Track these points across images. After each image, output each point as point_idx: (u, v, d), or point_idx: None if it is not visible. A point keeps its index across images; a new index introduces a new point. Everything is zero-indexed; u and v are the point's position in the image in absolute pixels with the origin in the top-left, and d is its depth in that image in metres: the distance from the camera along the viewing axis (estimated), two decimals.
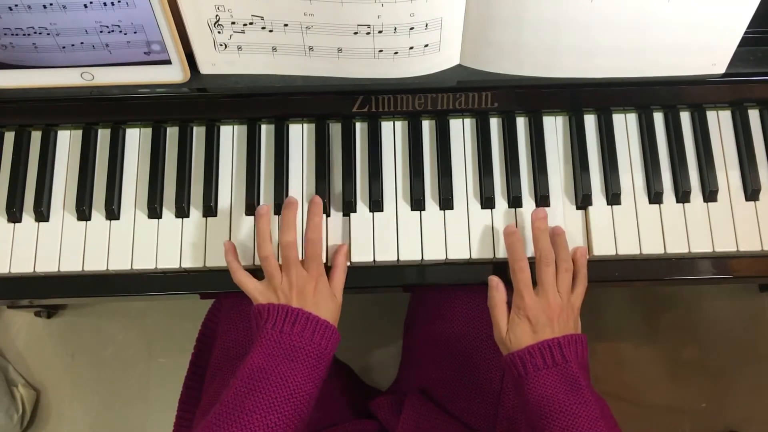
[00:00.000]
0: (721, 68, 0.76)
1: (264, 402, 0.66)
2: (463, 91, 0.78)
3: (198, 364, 0.94)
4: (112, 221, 0.82)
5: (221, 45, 0.74)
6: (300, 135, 0.84)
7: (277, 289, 0.74)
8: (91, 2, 0.67)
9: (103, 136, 0.85)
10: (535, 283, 0.74)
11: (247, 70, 0.77)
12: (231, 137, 0.84)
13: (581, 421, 0.67)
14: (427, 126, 0.84)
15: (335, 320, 0.75)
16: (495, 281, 0.77)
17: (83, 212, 0.81)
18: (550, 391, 0.68)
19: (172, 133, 0.84)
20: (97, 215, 0.82)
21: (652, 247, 0.79)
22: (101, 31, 0.71)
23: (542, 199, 0.81)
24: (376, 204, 0.81)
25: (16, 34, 0.71)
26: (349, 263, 0.80)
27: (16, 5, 0.67)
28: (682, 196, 0.81)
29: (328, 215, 0.81)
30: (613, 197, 0.81)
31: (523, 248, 0.77)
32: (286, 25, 0.71)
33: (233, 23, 0.72)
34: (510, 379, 0.74)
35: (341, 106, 0.81)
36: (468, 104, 0.80)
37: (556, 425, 0.67)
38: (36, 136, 0.84)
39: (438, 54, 0.75)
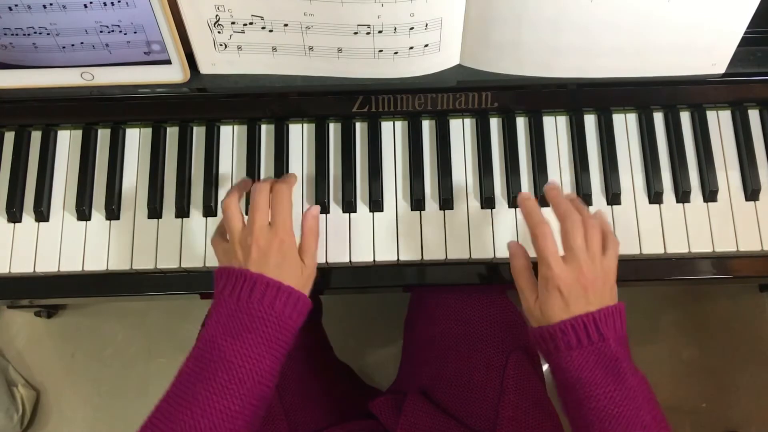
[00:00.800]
0: (721, 68, 0.76)
1: (216, 383, 0.60)
2: (463, 91, 0.78)
3: None
4: (113, 221, 0.82)
5: (221, 45, 0.74)
6: (300, 135, 0.84)
7: (235, 245, 0.67)
8: (91, 2, 0.67)
9: (103, 136, 0.85)
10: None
11: (247, 70, 0.77)
12: (231, 137, 0.84)
13: (624, 410, 0.60)
14: (427, 126, 0.84)
15: (303, 287, 0.68)
16: (514, 247, 0.71)
17: (83, 212, 0.81)
18: (586, 373, 0.62)
19: (172, 133, 0.84)
20: (97, 215, 0.82)
21: (652, 247, 0.79)
22: (101, 31, 0.71)
23: (542, 199, 0.80)
24: (376, 204, 0.81)
25: (16, 34, 0.71)
26: (349, 263, 0.80)
27: (16, 5, 0.67)
28: (682, 196, 0.81)
29: (328, 214, 0.81)
30: (613, 197, 0.81)
31: (541, 213, 0.68)
32: (286, 25, 0.71)
33: (233, 23, 0.72)
34: (541, 353, 0.68)
35: (341, 106, 0.81)
36: (468, 104, 0.80)
37: (593, 414, 0.61)
38: (36, 136, 0.84)
39: (438, 54, 0.75)
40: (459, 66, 0.77)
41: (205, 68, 0.77)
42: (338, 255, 0.80)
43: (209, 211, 0.81)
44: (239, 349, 0.62)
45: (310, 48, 0.74)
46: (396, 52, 0.73)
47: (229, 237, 0.69)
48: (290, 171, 0.83)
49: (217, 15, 0.71)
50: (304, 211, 0.80)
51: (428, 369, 0.88)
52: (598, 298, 0.65)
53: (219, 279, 0.67)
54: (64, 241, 0.81)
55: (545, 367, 0.83)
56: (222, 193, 0.82)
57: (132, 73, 0.76)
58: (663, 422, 0.64)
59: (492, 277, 0.81)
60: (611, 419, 0.60)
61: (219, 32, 0.72)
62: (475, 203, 0.81)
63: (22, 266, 0.80)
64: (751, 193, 0.81)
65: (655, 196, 0.81)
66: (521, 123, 0.84)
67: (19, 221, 0.82)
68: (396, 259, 0.80)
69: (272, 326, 0.63)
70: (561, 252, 0.67)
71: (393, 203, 0.81)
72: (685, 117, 0.84)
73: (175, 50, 0.73)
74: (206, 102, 0.81)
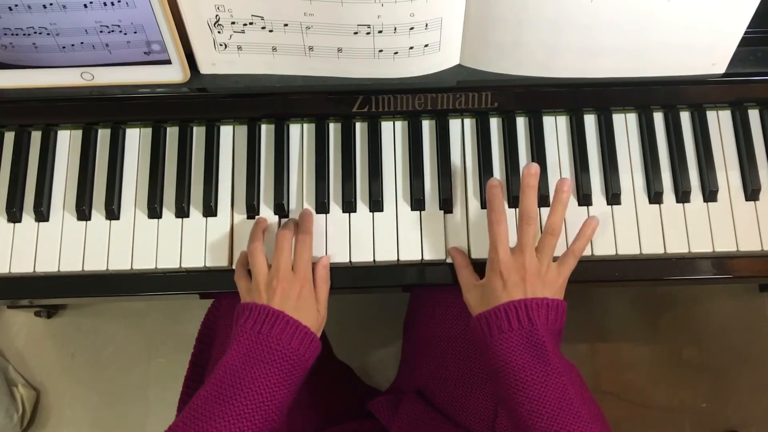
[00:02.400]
0: (721, 68, 0.76)
1: (233, 408, 0.64)
2: (463, 91, 0.78)
3: (198, 364, 0.94)
4: (112, 221, 0.82)
5: (221, 45, 0.74)
6: (300, 135, 0.84)
7: (261, 285, 0.72)
8: (91, 2, 0.67)
9: (103, 136, 0.85)
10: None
11: (247, 70, 0.77)
12: (231, 137, 0.84)
13: (550, 391, 0.63)
14: (427, 126, 0.84)
15: (317, 330, 0.73)
16: (453, 251, 0.78)
17: (83, 212, 0.81)
18: (515, 357, 0.65)
19: (172, 133, 0.84)
20: (97, 215, 0.82)
21: (652, 247, 0.79)
22: (101, 31, 0.71)
23: (542, 199, 0.80)
24: (376, 204, 0.81)
25: (16, 34, 0.71)
26: (349, 263, 0.80)
27: (16, 5, 0.67)
28: (682, 196, 0.81)
29: (328, 214, 0.81)
30: (613, 197, 0.81)
31: (503, 202, 0.74)
32: (286, 25, 0.71)
33: (233, 23, 0.72)
34: (477, 344, 0.71)
35: (341, 106, 0.81)
36: (468, 104, 0.80)
37: (523, 395, 0.64)
38: (36, 136, 0.84)
39: (438, 54, 0.75)
40: (459, 66, 0.77)
41: (205, 68, 0.77)
42: (338, 255, 0.80)
43: (209, 211, 0.81)
44: (257, 377, 0.66)
45: (310, 48, 0.74)
46: (396, 52, 0.73)
47: (254, 278, 0.74)
48: (290, 171, 0.83)
49: (217, 15, 0.71)
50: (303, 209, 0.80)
51: (427, 369, 0.88)
52: (534, 291, 0.69)
53: (242, 312, 0.71)
54: (64, 241, 0.81)
55: None
56: (222, 193, 0.82)
57: (132, 73, 0.76)
58: (594, 405, 0.66)
59: None
60: (537, 400, 0.63)
61: (219, 32, 0.72)
62: (475, 203, 0.81)
63: (22, 266, 0.80)
64: (751, 193, 0.81)
65: (655, 196, 0.81)
66: (521, 123, 0.84)
67: (19, 221, 0.82)
68: (396, 259, 0.80)
69: (287, 361, 0.68)
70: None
71: (393, 203, 0.81)
72: (685, 117, 0.84)
73: (175, 50, 0.73)
74: (206, 102, 0.81)
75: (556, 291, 0.71)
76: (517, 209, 0.76)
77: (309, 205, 0.82)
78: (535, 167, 0.74)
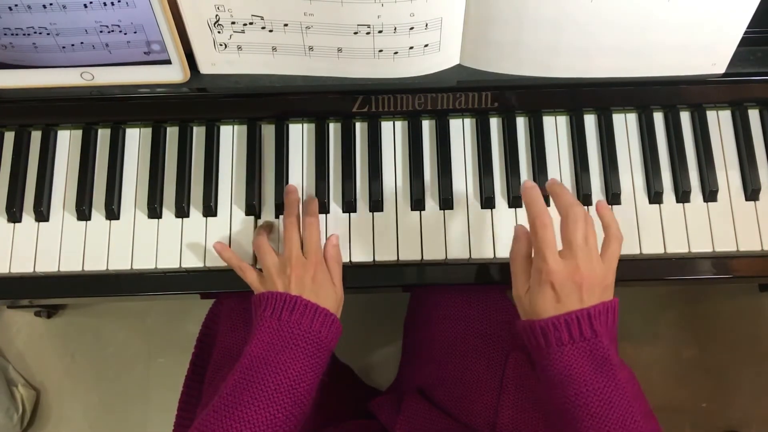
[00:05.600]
0: (721, 68, 0.76)
1: (263, 393, 0.65)
2: (463, 91, 0.78)
3: (198, 364, 0.94)
4: (112, 221, 0.82)
5: (221, 45, 0.74)
6: (300, 135, 0.84)
7: (274, 275, 0.72)
8: (91, 2, 0.67)
9: (103, 136, 0.85)
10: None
11: (247, 70, 0.77)
12: (231, 137, 0.84)
13: (613, 407, 0.59)
14: (427, 126, 0.84)
15: (336, 310, 0.73)
16: (520, 231, 0.70)
17: (83, 212, 0.81)
18: (577, 370, 0.60)
19: (172, 133, 0.84)
20: (97, 215, 0.82)
21: (652, 247, 0.79)
22: (101, 31, 0.71)
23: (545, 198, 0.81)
24: (376, 204, 0.81)
25: (16, 34, 0.71)
26: (349, 263, 0.80)
27: (16, 5, 0.67)
28: (682, 196, 0.81)
29: (328, 214, 0.81)
30: (613, 197, 0.81)
31: (544, 203, 0.67)
32: (286, 25, 0.71)
33: (233, 23, 0.72)
34: (528, 347, 0.66)
35: (341, 106, 0.81)
36: (468, 104, 0.80)
37: (584, 411, 0.59)
38: (36, 136, 0.84)
39: (438, 54, 0.75)
40: (459, 66, 0.77)
41: (205, 68, 0.77)
42: None
43: (209, 211, 0.81)
44: (282, 363, 0.66)
45: (310, 48, 0.74)
46: (396, 52, 0.73)
47: (266, 269, 0.74)
48: (290, 171, 0.83)
49: (217, 15, 0.71)
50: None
51: (428, 369, 0.88)
52: (591, 296, 0.63)
53: (260, 302, 0.71)
54: (64, 241, 0.81)
55: None
56: (222, 193, 0.82)
57: (132, 73, 0.76)
58: (650, 414, 0.63)
59: (492, 277, 0.81)
60: (599, 418, 0.59)
61: (219, 32, 0.72)
62: (475, 203, 0.81)
63: (22, 266, 0.80)
64: (751, 193, 0.81)
65: (655, 196, 0.81)
66: (521, 123, 0.84)
67: (19, 221, 0.82)
68: (396, 259, 0.80)
69: (311, 344, 0.68)
70: (560, 246, 0.66)
71: (393, 203, 0.81)
72: (685, 117, 0.84)
73: (175, 50, 0.73)
74: (206, 102, 0.81)
75: (609, 287, 0.66)
76: (527, 211, 0.70)
77: None
78: (557, 179, 0.72)
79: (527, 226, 0.68)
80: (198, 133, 0.84)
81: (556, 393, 0.62)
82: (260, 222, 0.81)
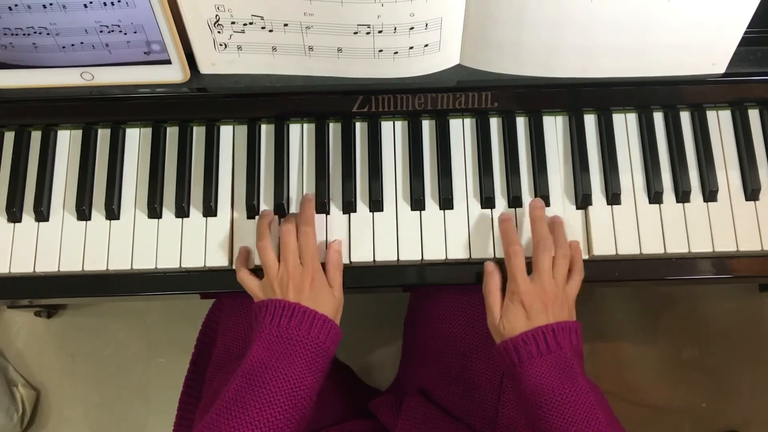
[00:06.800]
0: (721, 68, 0.76)
1: (264, 396, 0.67)
2: (463, 91, 0.78)
3: (198, 364, 0.94)
4: (112, 221, 0.82)
5: (221, 45, 0.74)
6: (300, 135, 0.84)
7: (273, 283, 0.74)
8: (91, 2, 0.67)
9: (103, 136, 0.85)
10: (530, 271, 0.74)
11: (247, 70, 0.77)
12: (231, 137, 0.84)
13: (578, 409, 0.66)
14: (427, 126, 0.84)
15: (335, 316, 0.74)
16: (491, 267, 0.77)
17: (83, 212, 0.81)
18: (545, 379, 0.68)
19: (172, 133, 0.84)
20: (97, 215, 0.82)
21: (652, 247, 0.79)
22: (101, 31, 0.71)
23: (542, 199, 0.80)
24: (376, 204, 0.81)
25: (16, 34, 0.71)
26: (349, 263, 0.80)
27: (16, 5, 0.67)
28: (682, 196, 0.81)
29: (328, 214, 0.81)
30: (613, 197, 0.81)
31: (517, 233, 0.77)
32: (286, 24, 0.71)
33: (233, 23, 0.72)
34: (504, 368, 0.74)
35: (341, 106, 0.81)
36: (468, 104, 0.80)
37: (552, 414, 0.67)
38: (36, 136, 0.84)
39: (438, 54, 0.75)
40: (459, 66, 0.77)
41: (205, 68, 0.77)
42: None
43: (209, 211, 0.81)
44: (283, 367, 0.69)
45: (310, 48, 0.74)
46: (396, 52, 0.73)
47: (267, 276, 0.75)
48: (290, 171, 0.83)
49: (217, 15, 0.71)
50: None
51: (428, 369, 0.88)
52: (556, 315, 0.72)
53: (260, 310, 0.73)
54: (64, 241, 0.81)
55: None
56: (222, 193, 0.82)
57: (132, 73, 0.76)
58: (615, 421, 0.70)
59: None
60: (567, 418, 0.66)
61: (219, 32, 0.72)
62: (475, 203, 0.81)
63: (22, 266, 0.80)
64: (751, 193, 0.81)
65: (655, 196, 0.81)
66: (521, 123, 0.84)
67: (19, 221, 0.82)
68: (396, 259, 0.80)
69: (310, 350, 0.70)
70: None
71: (393, 203, 0.81)
72: (685, 117, 0.84)
73: (175, 50, 0.73)
74: (206, 102, 0.81)
75: (571, 310, 0.74)
76: (525, 226, 0.78)
77: None
78: (540, 201, 0.79)
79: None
80: (198, 133, 0.84)
81: (531, 402, 0.68)
82: (262, 211, 0.81)
